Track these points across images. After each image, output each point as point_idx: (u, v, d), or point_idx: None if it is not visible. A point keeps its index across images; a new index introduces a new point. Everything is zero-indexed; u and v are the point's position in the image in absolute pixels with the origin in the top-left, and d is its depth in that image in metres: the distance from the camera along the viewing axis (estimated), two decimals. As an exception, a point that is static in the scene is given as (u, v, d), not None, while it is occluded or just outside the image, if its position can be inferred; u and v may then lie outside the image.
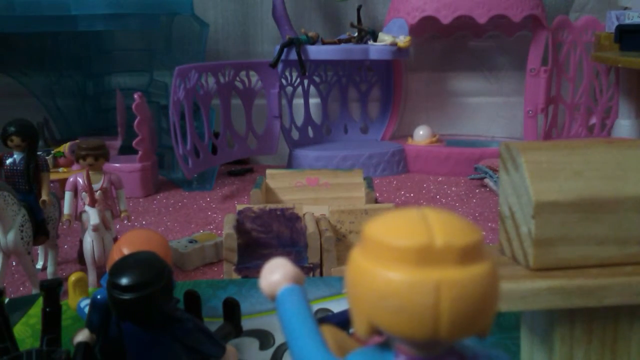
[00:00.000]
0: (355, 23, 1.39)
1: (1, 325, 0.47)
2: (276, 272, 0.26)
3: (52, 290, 0.49)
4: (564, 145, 0.36)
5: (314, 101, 1.45)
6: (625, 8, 1.40)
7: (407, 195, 1.17)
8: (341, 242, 0.76)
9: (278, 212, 0.77)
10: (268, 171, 0.98)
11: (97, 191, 0.73)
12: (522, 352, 0.39)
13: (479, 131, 1.51)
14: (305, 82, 1.42)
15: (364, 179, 0.98)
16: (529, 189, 0.33)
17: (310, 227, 0.73)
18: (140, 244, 0.45)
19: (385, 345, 0.21)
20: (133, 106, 1.12)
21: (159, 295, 0.40)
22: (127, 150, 1.27)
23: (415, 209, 0.20)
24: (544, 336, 0.36)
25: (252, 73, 1.31)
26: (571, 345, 0.35)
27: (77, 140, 1.16)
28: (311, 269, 0.72)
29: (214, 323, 0.53)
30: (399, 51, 1.30)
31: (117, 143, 1.31)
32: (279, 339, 0.55)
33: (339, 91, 1.48)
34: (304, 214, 0.77)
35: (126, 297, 0.38)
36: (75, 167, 1.15)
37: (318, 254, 0.72)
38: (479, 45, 1.50)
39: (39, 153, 0.78)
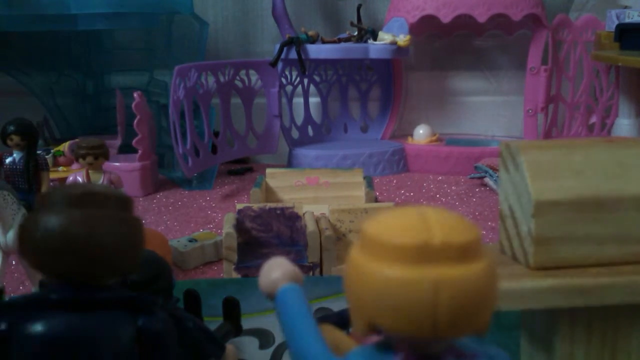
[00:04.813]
0: (355, 22, 1.38)
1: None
2: (275, 272, 0.26)
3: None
4: (564, 144, 0.36)
5: (313, 100, 1.45)
6: (626, 7, 1.40)
7: (407, 194, 1.17)
8: (341, 241, 0.76)
9: (278, 211, 0.77)
10: (268, 170, 0.98)
11: (96, 190, 0.73)
12: (522, 352, 0.39)
13: (479, 130, 1.51)
14: (305, 81, 1.42)
15: (364, 178, 0.98)
16: (529, 188, 0.33)
17: (310, 226, 0.73)
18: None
19: (384, 344, 0.21)
20: (133, 105, 1.12)
21: (158, 294, 0.40)
22: (126, 149, 1.27)
23: (414, 207, 0.20)
24: (544, 335, 0.36)
25: (252, 72, 1.30)
26: (571, 344, 0.35)
27: (77, 140, 1.15)
28: (311, 268, 0.72)
29: (213, 322, 0.53)
30: (399, 50, 1.30)
31: (117, 142, 1.31)
32: (279, 338, 0.55)
33: (339, 90, 1.48)
34: (304, 213, 0.77)
35: (125, 296, 0.38)
36: (75, 166, 1.15)
37: (318, 253, 0.72)
38: (479, 44, 1.50)
39: (38, 152, 0.78)
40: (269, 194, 0.96)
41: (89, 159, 0.75)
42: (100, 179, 0.76)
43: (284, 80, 1.36)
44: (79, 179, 0.75)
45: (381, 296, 0.19)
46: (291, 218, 0.77)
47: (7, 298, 0.64)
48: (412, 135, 1.41)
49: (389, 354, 0.21)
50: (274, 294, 0.26)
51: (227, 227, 0.73)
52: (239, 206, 0.77)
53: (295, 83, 1.40)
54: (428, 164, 1.34)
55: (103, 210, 0.28)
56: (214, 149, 1.22)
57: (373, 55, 1.31)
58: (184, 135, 1.13)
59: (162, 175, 1.27)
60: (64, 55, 1.43)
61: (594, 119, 1.42)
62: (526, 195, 0.34)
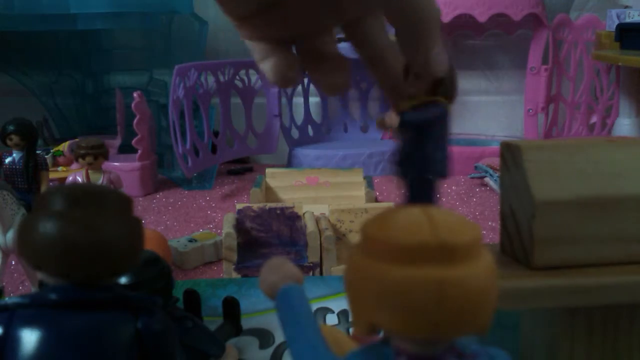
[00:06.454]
0: (355, 22, 1.38)
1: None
2: (275, 272, 0.26)
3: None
4: (565, 144, 0.36)
5: (313, 100, 1.45)
6: (626, 7, 1.40)
7: (407, 194, 1.17)
8: (341, 241, 0.76)
9: (278, 211, 0.77)
10: (268, 170, 0.98)
11: (96, 190, 0.73)
12: (522, 352, 0.39)
13: (479, 130, 1.51)
14: (305, 80, 1.42)
15: (364, 177, 0.97)
16: (530, 187, 0.33)
17: (310, 226, 0.73)
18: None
19: (385, 344, 0.21)
20: (132, 105, 1.12)
21: (158, 294, 0.39)
22: (126, 149, 1.26)
23: (414, 207, 0.20)
24: (544, 335, 0.36)
25: (251, 72, 1.30)
26: (572, 344, 0.35)
27: (77, 139, 1.15)
28: (311, 268, 0.72)
29: (213, 322, 0.53)
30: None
31: (117, 142, 1.31)
32: (279, 338, 0.55)
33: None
34: (304, 213, 0.77)
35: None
36: (74, 166, 1.15)
37: (318, 253, 0.72)
38: (479, 44, 1.50)
39: (38, 152, 0.78)
40: (269, 194, 0.96)
41: (89, 158, 0.75)
42: (99, 179, 0.75)
43: (284, 80, 1.35)
44: (79, 178, 0.75)
45: (382, 296, 0.19)
46: (291, 218, 0.77)
47: (6, 298, 0.64)
48: (412, 135, 1.40)
49: (389, 354, 0.21)
50: (275, 293, 0.26)
51: (227, 227, 0.73)
52: (239, 206, 0.77)
53: (295, 83, 1.40)
54: (428, 164, 1.33)
55: (103, 210, 0.28)
56: (214, 149, 1.22)
57: (373, 55, 1.31)
58: (183, 135, 1.13)
59: (161, 175, 1.27)
60: (63, 55, 1.43)
61: (594, 119, 1.42)
62: (527, 195, 0.34)
